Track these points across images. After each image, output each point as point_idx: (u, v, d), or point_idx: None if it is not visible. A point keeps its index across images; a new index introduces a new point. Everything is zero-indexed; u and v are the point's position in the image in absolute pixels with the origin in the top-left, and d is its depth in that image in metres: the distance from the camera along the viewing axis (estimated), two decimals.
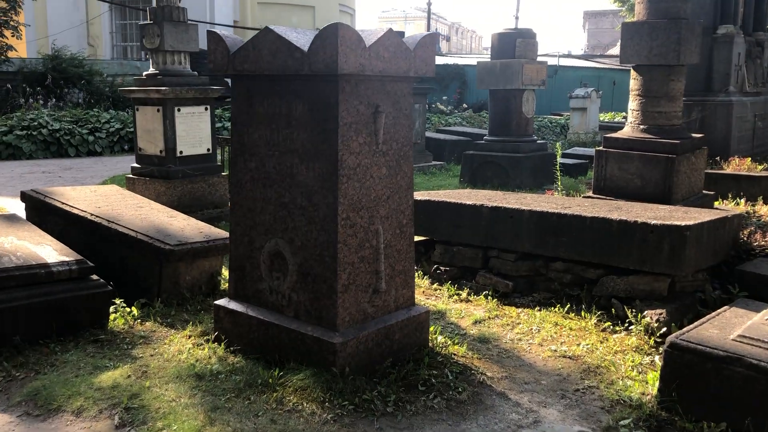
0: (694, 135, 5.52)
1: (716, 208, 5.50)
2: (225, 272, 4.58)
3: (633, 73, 5.40)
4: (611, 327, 3.78)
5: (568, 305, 4.03)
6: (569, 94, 18.54)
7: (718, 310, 3.17)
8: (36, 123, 12.87)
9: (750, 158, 6.80)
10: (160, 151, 6.40)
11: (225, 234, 4.50)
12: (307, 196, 3.06)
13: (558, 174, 7.15)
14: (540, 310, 4.06)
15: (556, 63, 24.67)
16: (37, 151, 12.52)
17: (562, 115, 19.09)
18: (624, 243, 3.87)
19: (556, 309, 4.02)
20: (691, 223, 3.72)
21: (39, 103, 14.37)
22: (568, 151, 12.41)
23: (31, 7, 21.04)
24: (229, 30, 21.32)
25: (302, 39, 3.02)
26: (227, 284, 3.87)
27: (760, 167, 6.63)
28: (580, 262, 4.08)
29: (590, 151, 12.16)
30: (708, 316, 3.07)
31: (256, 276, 3.34)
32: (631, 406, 2.87)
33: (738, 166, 6.57)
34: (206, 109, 6.58)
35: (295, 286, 3.16)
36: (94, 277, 3.75)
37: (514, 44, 8.49)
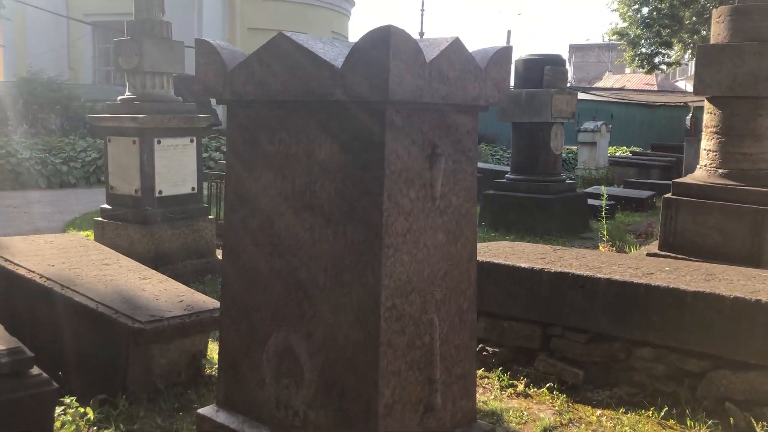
0: None
1: None
2: (211, 353, 3.68)
3: (709, 106, 4.62)
4: None
5: (665, 408, 3.15)
6: (578, 128, 17.89)
7: None
8: (4, 151, 11.98)
9: None
10: (136, 191, 5.52)
11: (212, 303, 3.62)
12: (334, 273, 2.20)
13: (603, 221, 6.32)
14: (626, 413, 3.18)
15: None
16: (3, 182, 11.61)
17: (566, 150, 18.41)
18: (741, 329, 3.01)
19: (649, 413, 3.14)
20: None
21: (8, 128, 13.49)
22: (589, 190, 11.67)
23: (10, 27, 20.32)
24: None
25: (331, 52, 2.18)
26: (216, 375, 2.97)
27: None
28: (677, 349, 3.22)
29: (619, 191, 11.41)
30: None
31: (256, 379, 2.46)
32: None
33: None
34: (192, 141, 5.74)
35: (314, 402, 2.27)
36: (35, 371, 2.83)
37: (542, 71, 7.74)
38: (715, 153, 4.61)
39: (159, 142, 5.50)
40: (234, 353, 2.55)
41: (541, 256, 4.03)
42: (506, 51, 2.40)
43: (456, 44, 2.16)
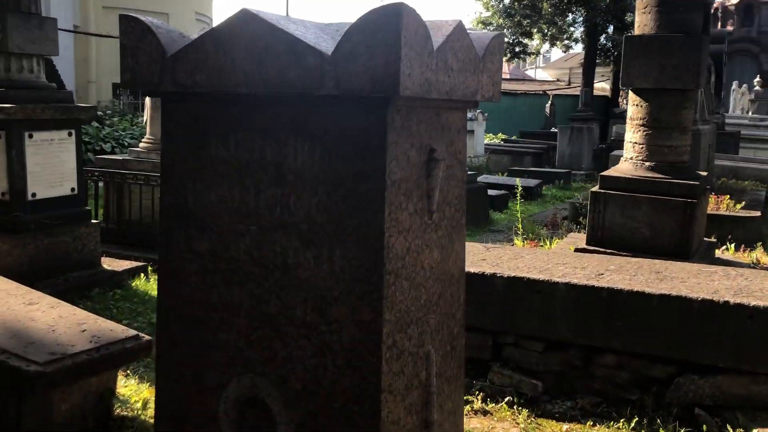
0: (699, 172, 4.81)
1: (732, 261, 4.81)
2: (121, 388, 3.16)
3: (635, 98, 4.61)
4: None
5: (635, 418, 3.04)
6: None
7: None
8: None
9: (729, 195, 6.29)
10: (3, 194, 4.74)
11: (121, 330, 3.10)
12: (316, 307, 1.82)
13: (510, 211, 6.27)
14: (594, 425, 3.03)
15: None
16: None
17: None
18: (710, 332, 2.94)
19: (619, 424, 3.01)
20: None
21: None
22: (480, 179, 11.78)
23: None
24: (70, 37, 18.99)
25: (308, 34, 1.78)
26: (132, 417, 2.50)
27: (738, 206, 6.13)
28: (641, 355, 3.11)
29: (511, 180, 11.59)
30: None
31: None
32: None
33: (716, 204, 6.01)
34: (70, 134, 5.02)
35: None
36: None
37: None
38: (641, 145, 4.62)
39: (30, 136, 4.74)
40: (176, 405, 2.10)
41: (481, 257, 3.82)
42: (500, 39, 2.10)
43: (460, 29, 1.84)
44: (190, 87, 1.87)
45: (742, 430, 2.78)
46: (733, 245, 5.45)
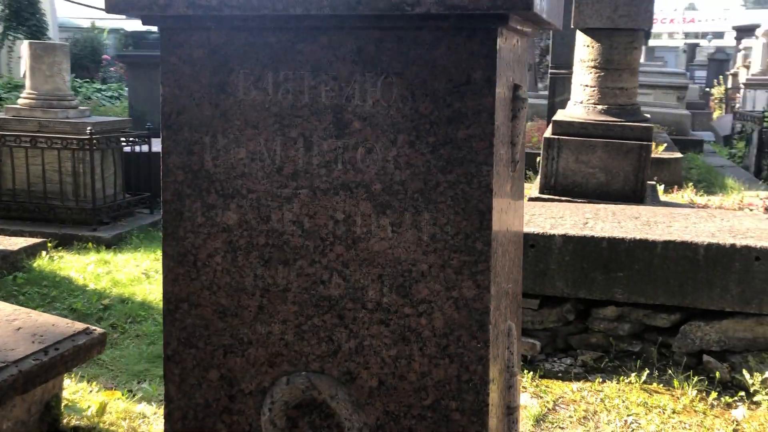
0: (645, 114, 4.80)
1: (672, 203, 4.88)
2: (69, 392, 2.66)
3: (586, 38, 4.48)
4: (721, 399, 2.78)
5: (645, 371, 2.94)
6: None
7: None
8: None
9: None
10: None
11: (64, 324, 2.60)
12: (396, 285, 1.48)
13: None
14: (603, 382, 2.91)
15: None
16: None
17: None
18: (716, 276, 2.87)
19: (631, 378, 2.90)
20: None
21: None
22: None
23: None
24: None
25: None
26: (88, 427, 2.09)
27: (660, 148, 6.27)
28: (644, 305, 3.00)
29: None
30: None
31: None
32: None
33: None
34: None
35: None
36: None
37: None
38: (593, 88, 4.51)
39: None
40: (196, 418, 1.69)
41: None
42: None
43: None
44: (216, 8, 1.42)
45: (758, 374, 2.76)
46: (661, 187, 5.57)
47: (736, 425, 2.62)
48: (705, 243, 2.89)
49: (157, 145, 6.01)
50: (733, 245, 2.87)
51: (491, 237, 1.42)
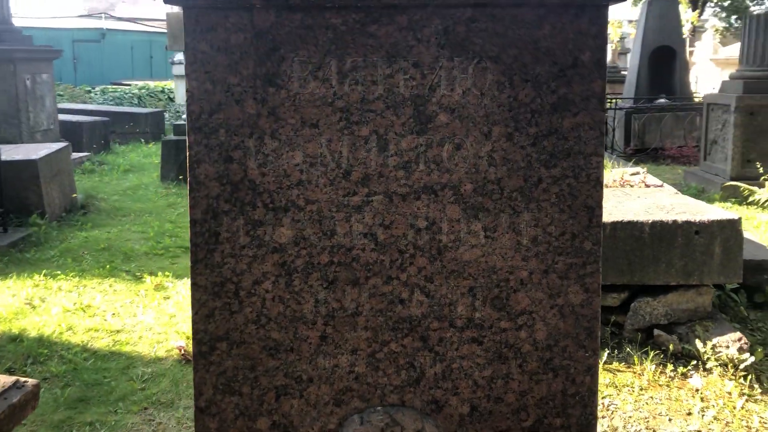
0: None
1: None
2: None
3: None
4: (677, 369, 2.91)
5: (606, 350, 3.00)
6: (170, 60, 16.65)
7: None
8: None
9: None
10: None
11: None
12: (491, 298, 1.32)
13: None
14: None
15: (102, 25, 21.94)
16: None
17: (129, 84, 16.22)
18: (662, 252, 2.99)
19: None
20: (735, 217, 3.05)
21: None
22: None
23: None
24: None
25: None
26: None
27: None
28: None
29: None
30: None
31: None
32: None
33: None
34: None
35: None
36: None
37: None
38: None
39: None
40: None
41: None
42: None
43: None
44: None
45: (708, 342, 2.90)
46: None
47: (698, 393, 2.74)
48: (650, 221, 3.00)
49: (7, 153, 5.22)
50: (674, 221, 3.00)
51: (599, 236, 1.31)
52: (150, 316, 3.48)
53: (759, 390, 2.80)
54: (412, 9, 1.23)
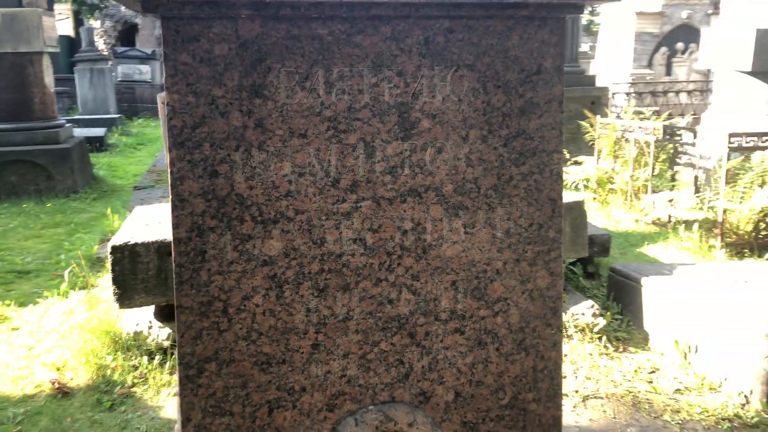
0: None
1: None
2: None
3: None
4: None
5: None
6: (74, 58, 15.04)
7: None
8: None
9: None
10: None
11: None
12: (470, 289, 1.43)
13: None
14: None
15: None
16: None
17: None
18: None
19: None
20: (581, 198, 3.43)
21: None
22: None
23: None
24: None
25: None
26: None
27: None
28: None
29: (85, 131, 10.10)
30: None
31: None
32: None
33: None
34: None
35: None
36: None
37: None
38: None
39: None
40: None
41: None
42: None
43: None
44: None
45: (569, 311, 3.26)
46: None
47: (567, 356, 3.09)
48: None
49: None
50: None
51: (561, 223, 1.46)
52: (2, 351, 3.11)
53: (612, 349, 3.20)
54: (395, 20, 1.28)
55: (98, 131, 10.40)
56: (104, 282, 3.67)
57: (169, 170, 1.24)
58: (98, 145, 9.64)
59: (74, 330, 3.06)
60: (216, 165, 1.26)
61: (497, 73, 1.35)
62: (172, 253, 1.28)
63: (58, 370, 2.85)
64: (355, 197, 1.33)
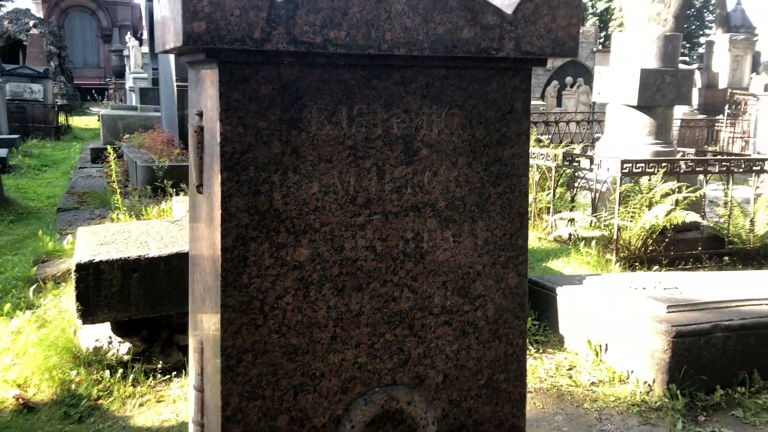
0: None
1: None
2: None
3: None
4: None
5: None
6: None
7: None
8: None
9: None
10: None
11: None
12: (458, 288, 1.74)
13: (118, 196, 5.56)
14: None
15: None
16: None
17: None
18: None
19: None
20: None
21: None
22: None
23: None
24: None
25: None
26: None
27: None
28: None
29: None
30: None
31: None
32: None
33: None
34: None
35: None
36: None
37: None
38: None
39: None
40: None
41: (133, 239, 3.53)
42: None
43: None
44: (321, 46, 1.43)
45: None
46: None
47: None
48: None
49: None
50: None
51: (526, 234, 1.79)
52: None
53: (534, 350, 3.60)
54: (404, 68, 1.58)
55: (0, 152, 9.98)
56: (47, 302, 3.69)
57: (219, 189, 1.47)
58: (1, 166, 9.27)
59: (29, 348, 3.10)
60: (259, 185, 1.50)
61: (480, 112, 1.67)
62: (219, 259, 1.50)
63: (19, 386, 2.89)
64: (368, 212, 1.60)
